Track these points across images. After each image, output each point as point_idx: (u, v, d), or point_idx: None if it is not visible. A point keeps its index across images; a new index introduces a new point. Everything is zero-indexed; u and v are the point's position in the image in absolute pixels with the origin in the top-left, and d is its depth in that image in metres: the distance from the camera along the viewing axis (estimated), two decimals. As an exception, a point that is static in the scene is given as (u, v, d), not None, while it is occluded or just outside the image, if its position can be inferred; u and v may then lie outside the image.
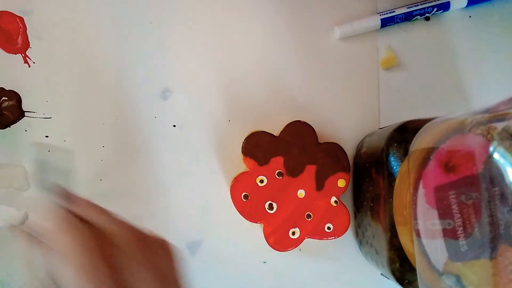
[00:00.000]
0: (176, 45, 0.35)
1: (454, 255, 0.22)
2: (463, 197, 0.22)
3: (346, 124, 0.35)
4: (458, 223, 0.22)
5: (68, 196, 0.24)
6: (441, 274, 0.23)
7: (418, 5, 0.35)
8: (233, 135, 0.35)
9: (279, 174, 0.32)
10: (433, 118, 0.26)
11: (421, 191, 0.24)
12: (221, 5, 0.35)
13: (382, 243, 0.28)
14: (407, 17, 0.35)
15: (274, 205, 0.32)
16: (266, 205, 0.32)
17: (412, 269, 0.26)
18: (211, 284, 0.35)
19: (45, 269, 0.21)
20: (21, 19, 0.34)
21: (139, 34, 0.35)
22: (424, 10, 0.35)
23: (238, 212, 0.32)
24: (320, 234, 0.32)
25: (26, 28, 0.34)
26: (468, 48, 0.36)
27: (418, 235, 0.24)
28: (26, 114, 0.34)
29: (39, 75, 0.34)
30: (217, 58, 0.35)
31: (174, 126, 0.35)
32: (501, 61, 0.36)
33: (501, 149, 0.20)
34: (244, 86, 0.35)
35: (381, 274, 0.34)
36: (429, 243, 0.23)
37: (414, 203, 0.24)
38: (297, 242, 0.32)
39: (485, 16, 0.36)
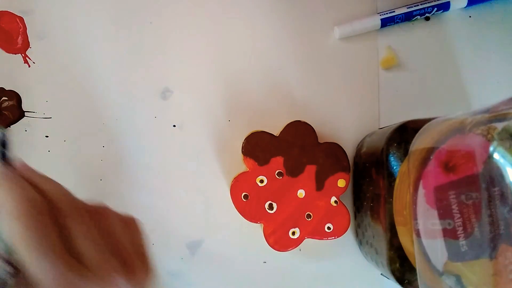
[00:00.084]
0: (176, 45, 0.35)
1: (454, 255, 0.22)
2: (463, 197, 0.22)
3: (346, 124, 0.35)
4: (458, 223, 0.22)
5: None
6: (441, 274, 0.23)
7: (418, 5, 0.35)
8: (233, 135, 0.35)
9: (279, 174, 0.32)
10: (433, 118, 0.26)
11: (421, 191, 0.24)
12: (221, 5, 0.35)
13: (382, 243, 0.28)
14: (407, 17, 0.35)
15: (274, 205, 0.32)
16: (266, 205, 0.32)
17: (412, 269, 0.26)
18: (211, 284, 0.35)
19: None
20: (21, 19, 0.34)
21: (139, 34, 0.35)
22: (424, 10, 0.35)
23: (238, 212, 0.32)
24: (320, 234, 0.32)
25: (26, 28, 0.34)
26: (468, 48, 0.36)
27: (418, 235, 0.24)
28: (26, 114, 0.34)
29: (39, 75, 0.34)
30: (217, 58, 0.35)
31: (174, 126, 0.35)
32: (501, 61, 0.36)
33: (501, 149, 0.20)
34: (244, 86, 0.35)
35: (381, 274, 0.34)
36: (429, 243, 0.24)
37: (414, 203, 0.24)
38: (297, 242, 0.32)
39: (485, 16, 0.36)
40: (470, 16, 0.36)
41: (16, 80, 0.34)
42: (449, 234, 0.23)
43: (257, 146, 0.32)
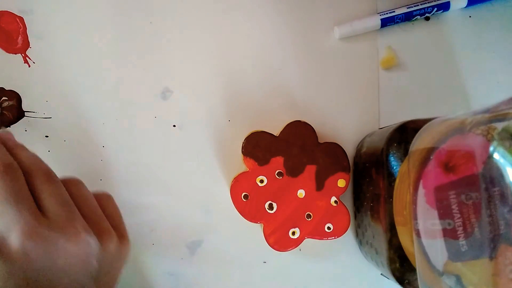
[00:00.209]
0: (176, 45, 0.35)
1: (454, 255, 0.22)
2: (463, 197, 0.22)
3: (346, 124, 0.35)
4: (458, 223, 0.22)
5: None
6: (441, 274, 0.23)
7: (418, 5, 0.35)
8: (233, 135, 0.35)
9: (279, 174, 0.32)
10: (433, 118, 0.26)
11: (421, 191, 0.24)
12: (221, 5, 0.35)
13: (382, 243, 0.28)
14: (407, 17, 0.35)
15: (274, 205, 0.32)
16: (266, 205, 0.32)
17: (412, 269, 0.26)
18: (211, 284, 0.35)
19: None
20: (21, 19, 0.34)
21: (139, 34, 0.35)
22: (424, 10, 0.35)
23: (238, 212, 0.32)
24: (320, 234, 0.32)
25: (26, 28, 0.34)
26: (468, 48, 0.36)
27: (418, 235, 0.24)
28: (26, 114, 0.34)
29: (39, 75, 0.34)
30: (217, 58, 0.35)
31: (174, 126, 0.35)
32: (501, 61, 0.36)
33: (501, 149, 0.20)
34: (244, 86, 0.35)
35: (381, 274, 0.34)
36: (429, 243, 0.23)
37: (414, 203, 0.24)
38: (297, 242, 0.32)
39: (485, 16, 0.36)
40: (470, 16, 0.36)
41: (16, 80, 0.34)
42: (449, 234, 0.23)
43: (257, 146, 0.32)
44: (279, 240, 0.32)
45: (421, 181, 0.24)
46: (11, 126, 0.33)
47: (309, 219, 0.32)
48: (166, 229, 0.34)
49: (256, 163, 0.32)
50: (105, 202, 0.30)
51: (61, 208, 0.25)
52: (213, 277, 0.35)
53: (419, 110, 0.36)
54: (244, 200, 0.32)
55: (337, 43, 0.36)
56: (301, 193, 0.33)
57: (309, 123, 0.33)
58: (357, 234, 0.35)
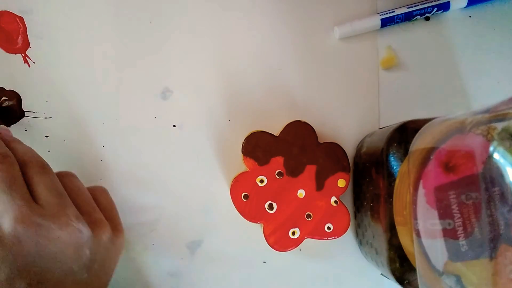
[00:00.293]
0: (176, 45, 0.35)
1: (454, 255, 0.22)
2: (463, 197, 0.22)
3: (346, 124, 0.35)
4: (458, 223, 0.22)
5: None
6: (441, 274, 0.23)
7: (418, 5, 0.35)
8: (233, 135, 0.35)
9: (279, 174, 0.32)
10: (433, 118, 0.26)
11: (421, 191, 0.24)
12: (220, 5, 0.35)
13: (382, 243, 0.28)
14: (407, 17, 0.35)
15: (274, 205, 0.32)
16: (266, 205, 0.32)
17: (412, 269, 0.26)
18: (211, 284, 0.35)
19: None
20: (21, 19, 0.34)
21: (139, 34, 0.35)
22: (424, 10, 0.35)
23: (238, 212, 0.32)
24: (320, 234, 0.32)
25: (26, 28, 0.34)
26: (468, 48, 0.36)
27: (418, 235, 0.24)
28: (26, 114, 0.34)
29: (39, 75, 0.34)
30: (217, 58, 0.35)
31: (174, 126, 0.35)
32: (501, 61, 0.36)
33: (501, 149, 0.20)
34: (244, 86, 0.35)
35: (381, 274, 0.34)
36: (429, 243, 0.23)
37: (414, 203, 0.24)
38: (297, 242, 0.32)
39: (485, 16, 0.36)
40: (470, 16, 0.36)
41: (16, 80, 0.34)
42: (449, 234, 0.23)
43: (257, 146, 0.32)
44: (279, 240, 0.32)
45: (421, 181, 0.24)
46: (11, 126, 0.33)
47: (309, 219, 0.32)
48: (166, 229, 0.34)
49: (256, 163, 0.32)
50: (99, 195, 0.30)
51: (54, 197, 0.26)
52: (213, 277, 0.35)
53: (419, 110, 0.36)
54: (244, 200, 0.32)
55: (337, 43, 0.36)
56: (301, 193, 0.33)
57: (309, 123, 0.33)
58: (357, 234, 0.35)
